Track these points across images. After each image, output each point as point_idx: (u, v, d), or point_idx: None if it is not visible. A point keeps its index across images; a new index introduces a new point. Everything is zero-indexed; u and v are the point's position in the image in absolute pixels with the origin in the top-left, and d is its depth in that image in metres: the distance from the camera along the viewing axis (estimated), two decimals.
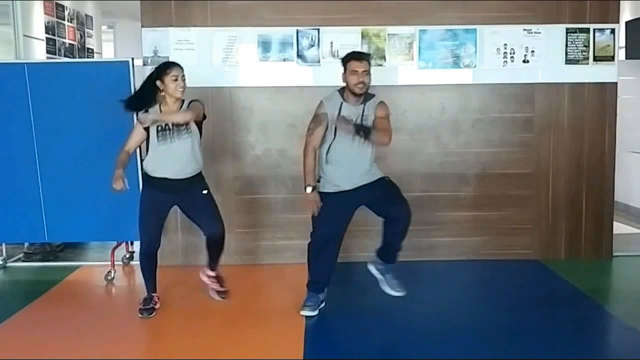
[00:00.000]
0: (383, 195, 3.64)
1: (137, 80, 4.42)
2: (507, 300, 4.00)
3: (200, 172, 3.79)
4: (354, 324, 3.63)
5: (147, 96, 3.63)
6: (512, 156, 4.79)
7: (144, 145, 3.77)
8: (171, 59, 4.58)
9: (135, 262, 4.88)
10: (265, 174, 4.76)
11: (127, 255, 4.89)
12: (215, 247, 3.84)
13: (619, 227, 5.38)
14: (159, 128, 3.62)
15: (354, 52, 3.72)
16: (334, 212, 3.61)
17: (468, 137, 4.77)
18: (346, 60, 3.63)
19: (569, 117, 4.78)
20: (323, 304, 3.75)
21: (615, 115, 4.83)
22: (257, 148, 4.76)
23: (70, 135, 4.38)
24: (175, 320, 3.71)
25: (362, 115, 3.58)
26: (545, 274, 4.53)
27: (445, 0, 4.67)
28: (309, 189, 3.60)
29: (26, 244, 5.05)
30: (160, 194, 3.67)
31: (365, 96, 3.63)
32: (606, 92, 4.77)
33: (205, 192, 3.77)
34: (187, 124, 3.63)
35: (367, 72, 3.57)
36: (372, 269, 3.86)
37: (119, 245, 4.75)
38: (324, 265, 3.71)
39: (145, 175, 3.74)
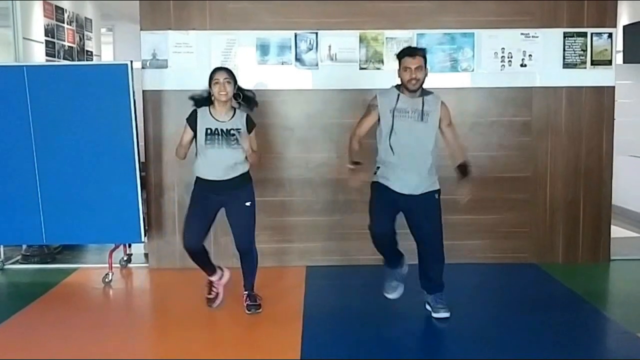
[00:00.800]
0: (423, 213, 3.61)
1: (136, 83, 4.45)
2: (505, 303, 4.00)
3: (245, 174, 3.76)
4: (352, 325, 3.63)
5: (205, 98, 3.72)
6: (510, 159, 4.80)
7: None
8: (170, 62, 4.63)
9: (133, 265, 4.91)
10: (263, 176, 4.75)
11: (125, 258, 4.89)
12: (243, 261, 3.84)
13: (616, 231, 5.38)
14: (208, 131, 3.64)
15: (408, 48, 3.67)
16: (383, 205, 3.60)
17: (466, 140, 4.73)
18: (400, 56, 3.59)
19: (567, 121, 4.79)
20: (406, 269, 3.81)
21: (613, 119, 4.84)
22: None
23: (69, 138, 4.38)
24: (173, 322, 3.71)
25: (422, 109, 3.54)
26: (543, 277, 4.53)
27: (443, 2, 4.69)
28: (350, 165, 3.59)
29: (24, 246, 5.04)
30: (208, 193, 3.70)
31: (422, 90, 3.60)
32: (604, 96, 4.78)
33: (248, 204, 3.75)
34: (240, 133, 3.65)
35: (421, 68, 3.53)
36: (426, 305, 3.79)
37: (116, 247, 4.75)
38: (388, 250, 3.74)
39: (196, 177, 3.77)
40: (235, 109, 3.73)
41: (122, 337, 3.53)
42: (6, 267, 4.92)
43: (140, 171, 4.45)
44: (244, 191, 3.74)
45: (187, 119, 3.72)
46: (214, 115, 3.68)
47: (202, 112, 3.70)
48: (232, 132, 3.63)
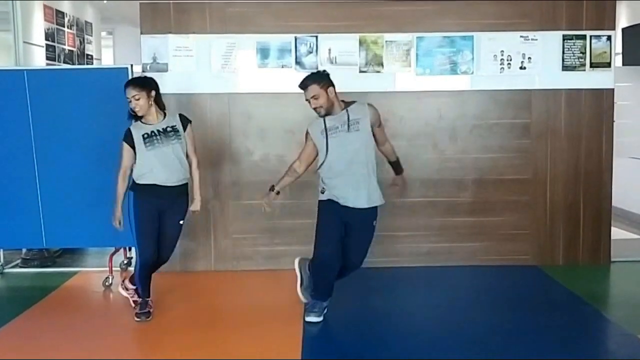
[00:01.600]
0: (358, 238, 3.64)
1: None
2: (505, 305, 4.00)
3: (187, 184, 3.79)
4: (352, 328, 3.64)
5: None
6: (510, 162, 4.80)
7: None
8: (170, 66, 4.64)
9: (133, 268, 4.89)
10: (263, 179, 4.73)
11: (125, 261, 4.89)
12: (155, 269, 3.84)
13: (617, 233, 5.39)
14: (145, 135, 3.64)
15: (302, 81, 3.64)
16: (334, 226, 3.60)
17: (465, 143, 4.79)
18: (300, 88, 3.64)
19: (566, 123, 4.80)
20: (326, 310, 3.74)
21: (612, 121, 4.85)
22: (255, 154, 4.78)
23: (69, 142, 4.39)
24: (173, 326, 3.71)
25: (349, 121, 3.56)
26: (543, 279, 4.54)
27: (443, 5, 4.71)
28: (270, 190, 3.71)
29: (24, 250, 5.05)
30: (152, 202, 3.68)
31: (344, 103, 3.63)
32: (603, 98, 4.79)
33: (181, 222, 3.80)
34: (177, 131, 3.69)
35: (317, 96, 3.54)
36: (301, 270, 3.83)
37: (117, 251, 4.75)
38: (328, 279, 3.71)
39: (134, 186, 3.71)
40: (164, 113, 3.74)
41: (122, 340, 3.54)
42: (6, 271, 4.92)
43: None
44: (181, 207, 3.78)
45: (124, 139, 3.69)
46: (146, 122, 3.69)
47: (135, 125, 3.69)
48: (168, 129, 3.67)
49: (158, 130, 3.66)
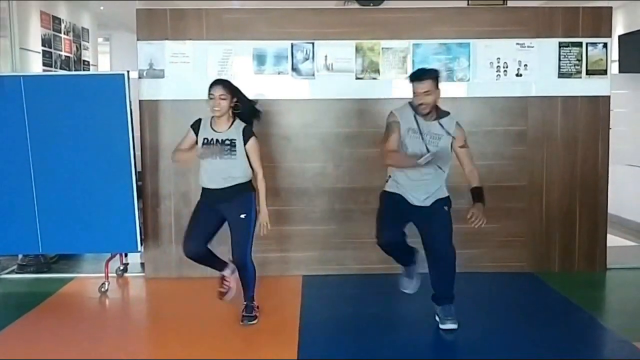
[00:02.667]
0: (433, 222, 3.63)
1: (133, 93, 4.46)
2: (501, 312, 4.00)
3: (244, 183, 3.75)
4: (348, 334, 3.63)
5: None
6: (506, 169, 4.81)
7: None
8: (167, 72, 4.65)
9: (129, 274, 4.90)
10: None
11: (121, 267, 4.88)
12: (239, 274, 3.81)
13: (612, 240, 5.39)
14: (205, 141, 3.68)
15: (416, 72, 3.59)
16: (391, 215, 3.62)
17: None
18: (410, 79, 3.56)
19: (562, 130, 4.81)
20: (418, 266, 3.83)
21: (608, 128, 4.86)
22: None
23: (66, 148, 4.39)
24: (169, 332, 3.70)
25: (435, 135, 3.55)
26: (539, 286, 4.54)
27: (439, 12, 4.72)
28: (420, 161, 3.44)
29: (20, 256, 5.03)
30: (208, 201, 3.75)
31: (439, 112, 3.59)
32: (599, 105, 4.80)
33: (243, 216, 3.72)
34: (233, 145, 3.66)
35: (430, 93, 3.48)
36: (436, 317, 3.76)
37: (113, 257, 4.74)
38: (396, 255, 3.78)
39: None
40: (235, 119, 3.73)
41: (118, 346, 3.52)
42: (2, 276, 4.91)
43: (136, 180, 4.46)
44: (240, 203, 3.72)
45: (192, 125, 3.77)
46: (213, 126, 3.71)
47: (205, 121, 3.75)
48: (226, 141, 3.65)
49: (217, 140, 3.66)
